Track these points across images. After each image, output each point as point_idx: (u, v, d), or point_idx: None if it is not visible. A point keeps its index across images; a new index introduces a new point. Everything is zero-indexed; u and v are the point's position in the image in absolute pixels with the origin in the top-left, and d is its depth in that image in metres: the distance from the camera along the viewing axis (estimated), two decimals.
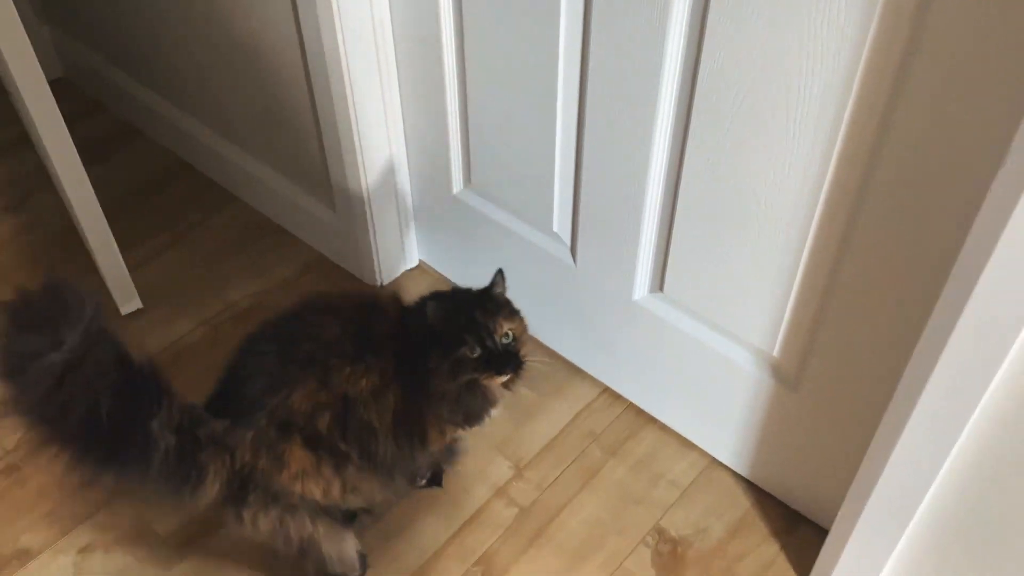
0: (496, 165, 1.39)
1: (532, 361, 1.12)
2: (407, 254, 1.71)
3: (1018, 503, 0.95)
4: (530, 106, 1.25)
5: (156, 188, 1.94)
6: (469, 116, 1.37)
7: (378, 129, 1.48)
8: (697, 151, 1.08)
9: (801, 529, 1.33)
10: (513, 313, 1.13)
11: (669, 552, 1.31)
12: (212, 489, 1.03)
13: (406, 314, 1.14)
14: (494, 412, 1.18)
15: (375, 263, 1.66)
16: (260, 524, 1.07)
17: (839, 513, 1.14)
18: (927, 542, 1.06)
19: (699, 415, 1.38)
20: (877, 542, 1.09)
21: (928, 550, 1.07)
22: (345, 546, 1.17)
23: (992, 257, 0.77)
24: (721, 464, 1.40)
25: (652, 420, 1.47)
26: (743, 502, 1.36)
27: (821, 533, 1.30)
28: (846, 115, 0.92)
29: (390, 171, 1.55)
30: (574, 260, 1.38)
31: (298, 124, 1.58)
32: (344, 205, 1.60)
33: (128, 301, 1.65)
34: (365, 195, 1.55)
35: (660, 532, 1.33)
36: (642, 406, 1.48)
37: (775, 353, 1.19)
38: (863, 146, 0.93)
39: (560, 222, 1.36)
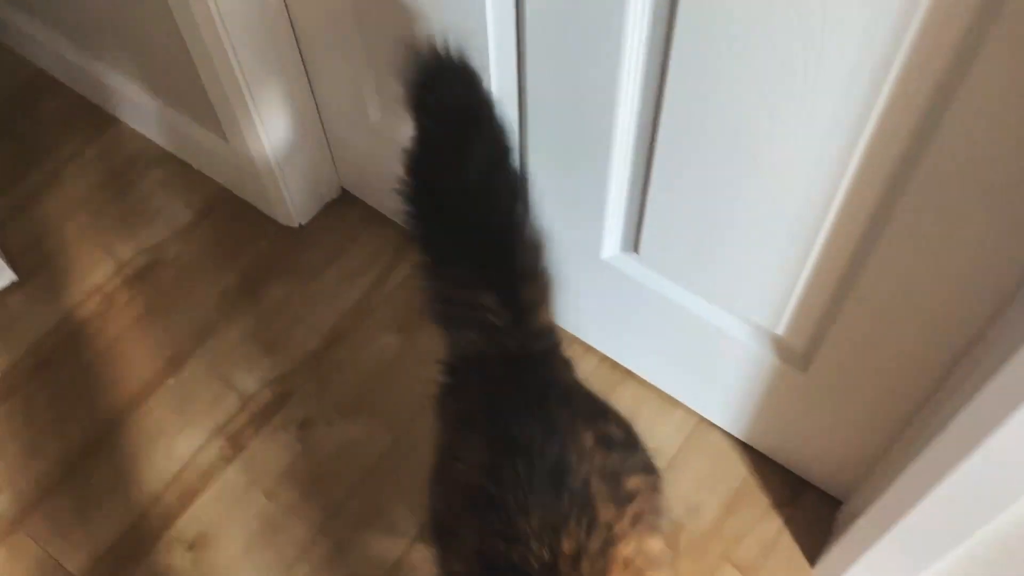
0: None
1: None
2: (324, 185, 1.43)
3: None
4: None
5: (16, 111, 1.60)
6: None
7: (258, 33, 1.15)
8: (682, 84, 0.81)
9: (806, 497, 1.17)
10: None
11: None
12: None
13: None
14: None
15: (285, 200, 1.38)
16: None
17: (866, 500, 0.98)
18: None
19: (685, 375, 1.18)
20: (922, 547, 0.92)
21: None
22: None
23: None
24: (711, 423, 1.22)
25: (630, 375, 1.27)
26: (739, 469, 1.19)
27: (829, 501, 1.16)
28: (901, 54, 0.66)
29: (285, 87, 1.24)
30: None
31: (156, 32, 1.24)
32: (235, 135, 1.29)
33: None
34: (257, 122, 1.25)
35: None
36: (618, 360, 1.27)
37: (779, 332, 0.98)
38: (919, 101, 0.68)
39: None
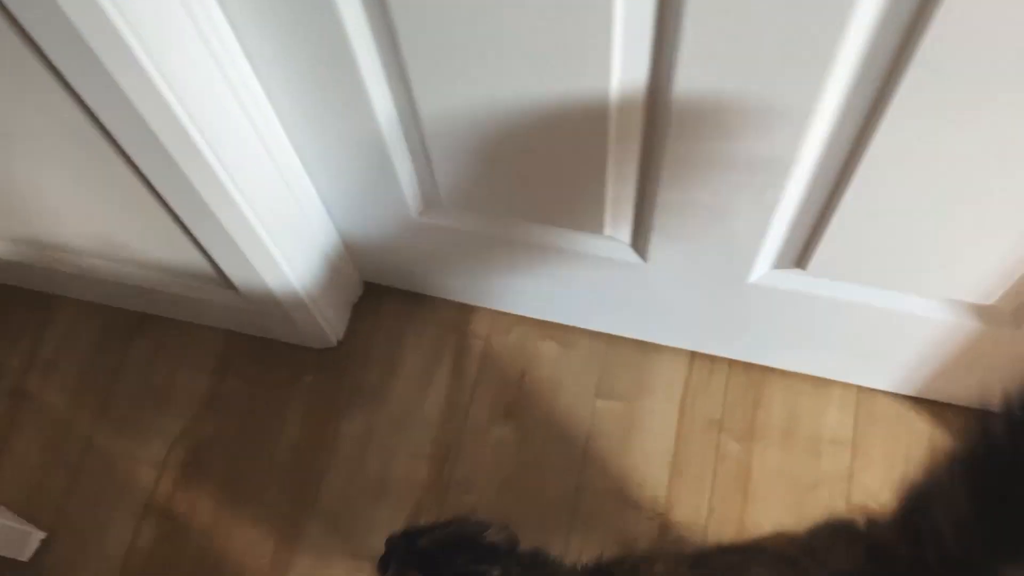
0: (480, 170, 0.92)
1: None
2: (348, 288, 1.23)
3: None
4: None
5: None
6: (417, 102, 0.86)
7: (254, 160, 0.92)
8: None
9: None
10: None
11: None
12: None
13: None
14: None
15: (319, 323, 1.18)
16: None
17: None
18: None
19: (840, 355, 1.09)
20: None
21: None
22: None
23: None
24: (872, 390, 1.14)
25: (766, 371, 1.17)
26: (921, 427, 1.13)
27: None
28: None
29: (297, 207, 1.03)
30: (643, 258, 0.98)
31: (118, 185, 1.00)
32: (248, 278, 1.07)
33: (23, 542, 1.13)
34: (279, 257, 1.03)
35: (862, 511, 1.08)
36: (747, 359, 1.17)
37: (991, 303, 0.89)
38: None
39: (615, 222, 0.94)
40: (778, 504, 1.10)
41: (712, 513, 1.10)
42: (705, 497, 1.11)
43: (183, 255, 1.07)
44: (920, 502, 0.63)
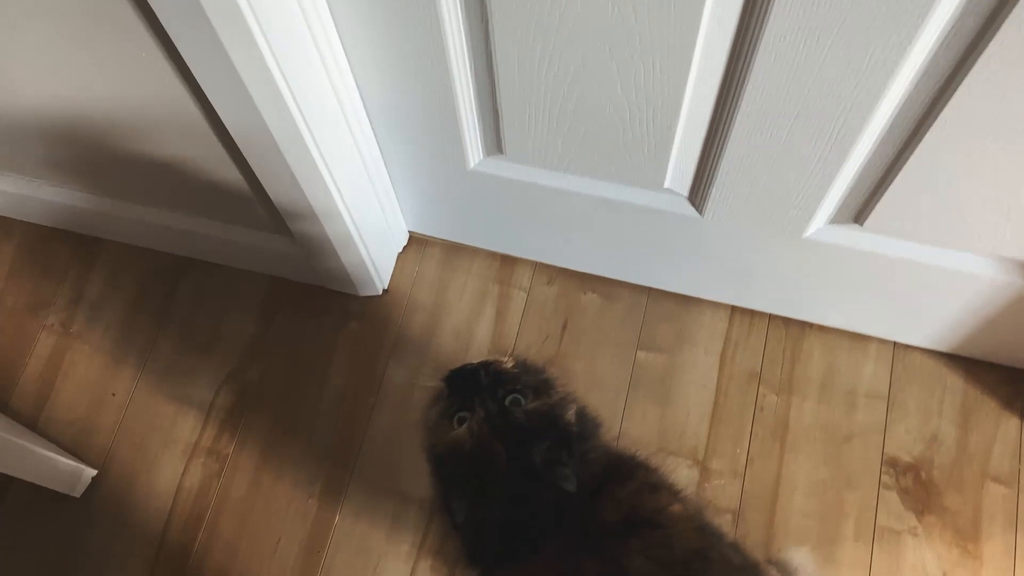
0: (551, 122, 0.93)
1: None
2: (395, 237, 1.25)
3: None
4: None
5: None
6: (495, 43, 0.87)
7: (326, 103, 0.93)
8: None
9: None
10: None
11: (914, 483, 1.11)
12: None
13: None
14: None
15: (369, 269, 1.19)
16: None
17: None
18: None
19: (878, 311, 1.12)
20: None
21: None
22: None
23: None
24: (908, 346, 1.17)
25: (805, 326, 1.19)
26: (954, 382, 1.16)
27: None
28: None
29: (358, 157, 1.04)
30: (699, 211, 1.00)
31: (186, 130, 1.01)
32: (308, 225, 1.09)
33: (75, 479, 1.15)
34: (342, 206, 1.04)
35: (893, 464, 1.12)
36: (787, 314, 1.19)
37: None
38: None
39: (676, 176, 0.96)
40: (814, 455, 1.13)
41: (751, 463, 1.13)
42: (743, 447, 1.14)
43: (242, 199, 1.08)
44: None
